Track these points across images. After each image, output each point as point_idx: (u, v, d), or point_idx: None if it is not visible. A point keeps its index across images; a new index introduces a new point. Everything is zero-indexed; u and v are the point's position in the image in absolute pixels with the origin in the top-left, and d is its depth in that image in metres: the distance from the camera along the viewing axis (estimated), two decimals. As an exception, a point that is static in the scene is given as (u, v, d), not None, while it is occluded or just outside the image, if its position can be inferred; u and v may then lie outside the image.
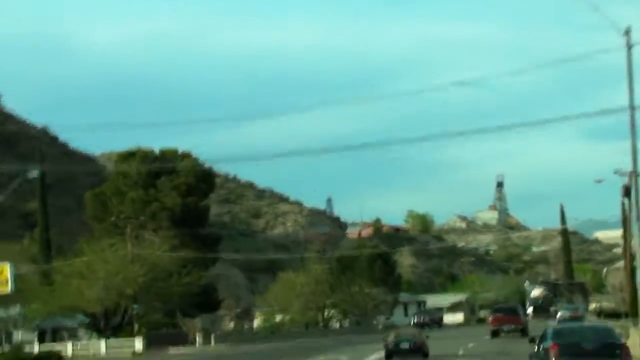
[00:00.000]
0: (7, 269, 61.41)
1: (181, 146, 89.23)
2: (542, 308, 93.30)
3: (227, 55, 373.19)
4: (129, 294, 76.44)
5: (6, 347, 66.61)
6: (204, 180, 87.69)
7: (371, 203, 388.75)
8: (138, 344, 74.22)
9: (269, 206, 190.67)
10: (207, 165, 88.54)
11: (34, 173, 70.04)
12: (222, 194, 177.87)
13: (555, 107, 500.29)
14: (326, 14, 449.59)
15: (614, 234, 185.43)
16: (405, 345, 47.12)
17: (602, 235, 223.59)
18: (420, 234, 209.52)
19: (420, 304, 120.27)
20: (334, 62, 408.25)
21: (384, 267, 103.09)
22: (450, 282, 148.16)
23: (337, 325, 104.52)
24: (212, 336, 78.75)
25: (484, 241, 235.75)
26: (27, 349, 69.80)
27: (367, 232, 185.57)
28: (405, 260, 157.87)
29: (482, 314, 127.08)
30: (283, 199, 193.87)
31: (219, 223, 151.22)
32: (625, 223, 68.39)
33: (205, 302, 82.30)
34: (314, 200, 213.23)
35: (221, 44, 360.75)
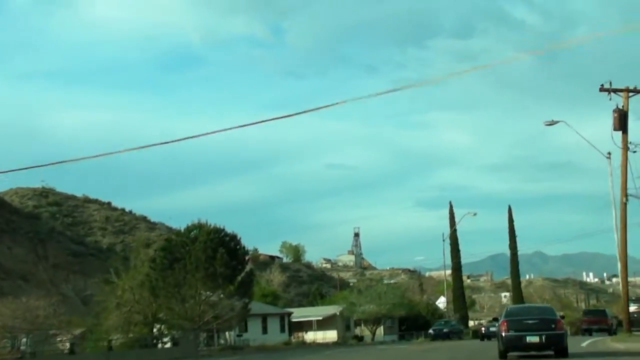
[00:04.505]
0: None
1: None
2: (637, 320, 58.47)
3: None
4: None
5: None
6: None
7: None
8: None
9: (159, 236, 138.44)
10: None
11: None
12: (117, 225, 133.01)
13: (398, 183, 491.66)
14: (239, 112, 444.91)
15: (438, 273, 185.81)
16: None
17: (434, 274, 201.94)
18: (293, 263, 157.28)
19: (285, 316, 64.30)
20: (244, 146, 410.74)
21: (230, 261, 46.84)
22: (320, 298, 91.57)
23: (170, 344, 48.56)
24: None
25: (345, 277, 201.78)
26: None
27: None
28: (275, 278, 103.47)
29: (359, 330, 72.60)
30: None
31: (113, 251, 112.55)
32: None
33: None
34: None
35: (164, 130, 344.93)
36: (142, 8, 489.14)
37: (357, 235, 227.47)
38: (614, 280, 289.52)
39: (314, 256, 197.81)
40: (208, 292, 46.91)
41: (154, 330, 53.74)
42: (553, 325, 21.45)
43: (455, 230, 73.57)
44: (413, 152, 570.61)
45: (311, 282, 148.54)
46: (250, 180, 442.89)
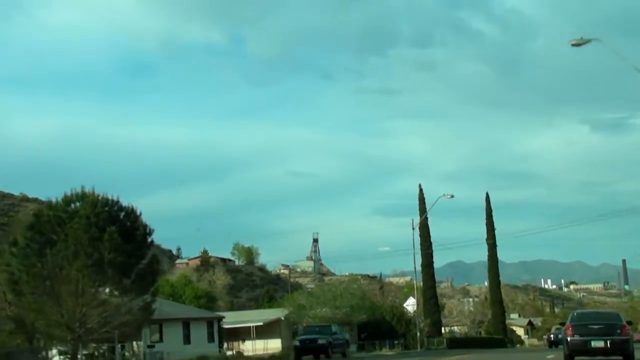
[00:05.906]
0: None
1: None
2: None
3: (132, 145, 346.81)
4: None
5: None
6: None
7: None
8: None
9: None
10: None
11: None
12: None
13: (357, 191, 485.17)
14: (199, 118, 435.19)
15: (398, 279, 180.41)
16: None
17: (394, 280, 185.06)
18: (246, 266, 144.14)
19: (214, 321, 49.51)
20: (203, 153, 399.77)
21: (124, 244, 32.74)
22: (267, 301, 77.27)
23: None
24: None
25: (303, 283, 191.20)
26: None
27: (194, 262, 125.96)
28: (219, 279, 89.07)
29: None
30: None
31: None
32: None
33: None
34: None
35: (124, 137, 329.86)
36: (99, 14, 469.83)
37: (316, 240, 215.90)
38: (572, 287, 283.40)
39: (273, 263, 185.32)
40: (94, 288, 32.78)
41: (34, 341, 39.47)
42: (619, 331, 21.12)
43: (426, 217, 60.43)
44: (373, 160, 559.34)
45: (264, 286, 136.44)
46: (209, 187, 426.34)
